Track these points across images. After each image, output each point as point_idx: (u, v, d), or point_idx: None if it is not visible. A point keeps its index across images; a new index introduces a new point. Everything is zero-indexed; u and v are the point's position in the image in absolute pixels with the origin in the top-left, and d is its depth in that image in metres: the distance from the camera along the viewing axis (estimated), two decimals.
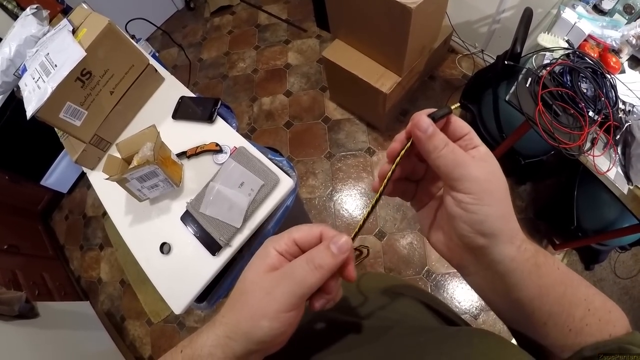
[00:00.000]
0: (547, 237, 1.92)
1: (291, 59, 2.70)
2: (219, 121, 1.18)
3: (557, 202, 1.86)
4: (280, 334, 0.30)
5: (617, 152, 1.24)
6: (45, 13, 1.46)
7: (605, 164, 1.22)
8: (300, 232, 0.33)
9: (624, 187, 1.21)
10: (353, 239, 0.33)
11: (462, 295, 1.83)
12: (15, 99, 1.86)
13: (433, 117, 0.31)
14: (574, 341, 0.32)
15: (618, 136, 1.24)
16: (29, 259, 2.05)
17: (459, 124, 0.32)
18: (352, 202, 2.10)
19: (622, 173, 1.23)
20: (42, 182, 2.32)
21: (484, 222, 0.29)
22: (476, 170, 0.29)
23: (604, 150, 1.23)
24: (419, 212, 0.38)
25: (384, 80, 1.85)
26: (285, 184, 1.03)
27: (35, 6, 1.41)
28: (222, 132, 1.17)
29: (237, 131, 1.17)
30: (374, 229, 2.00)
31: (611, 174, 1.22)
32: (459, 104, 0.34)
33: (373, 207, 0.34)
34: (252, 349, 0.31)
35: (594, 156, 1.22)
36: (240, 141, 1.12)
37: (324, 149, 2.27)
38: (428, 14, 1.61)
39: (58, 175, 2.37)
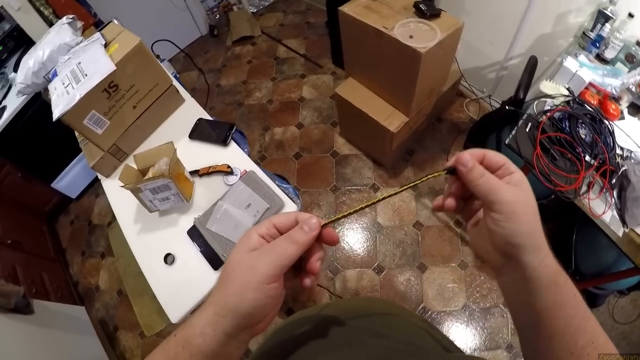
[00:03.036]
0: None
1: (305, 93, 2.79)
2: (233, 145, 1.25)
3: (556, 245, 1.88)
4: (263, 305, 0.35)
5: (613, 196, 1.26)
6: (79, 24, 1.53)
7: (600, 207, 1.24)
8: (280, 218, 0.38)
9: (619, 230, 1.22)
10: (325, 225, 0.39)
11: (456, 334, 1.83)
12: (38, 100, 1.93)
13: (452, 168, 0.39)
14: None
15: (614, 180, 1.26)
16: (30, 257, 2.07)
17: (496, 158, 0.38)
18: (353, 235, 2.13)
19: (617, 216, 1.24)
20: (53, 185, 2.37)
21: (511, 236, 0.35)
22: (506, 196, 0.35)
23: (599, 194, 1.25)
24: (468, 222, 0.44)
25: (392, 119, 1.91)
26: (290, 209, 1.08)
27: (71, 16, 1.48)
28: (234, 155, 1.23)
29: (249, 157, 1.23)
30: (373, 262, 2.03)
31: (606, 217, 1.23)
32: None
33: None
34: (240, 324, 0.35)
35: (589, 199, 1.24)
36: (251, 165, 1.18)
37: (330, 182, 2.33)
38: (437, 58, 1.67)
39: (69, 180, 2.42)
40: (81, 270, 2.29)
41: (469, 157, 0.38)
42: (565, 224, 1.86)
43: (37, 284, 1.91)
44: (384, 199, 0.43)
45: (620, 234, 1.22)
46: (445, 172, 0.41)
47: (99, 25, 1.96)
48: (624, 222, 1.23)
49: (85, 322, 1.94)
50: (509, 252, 0.36)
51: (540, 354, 0.39)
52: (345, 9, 1.68)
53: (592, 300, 1.82)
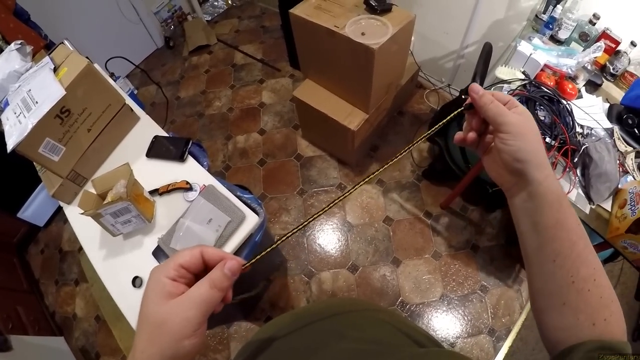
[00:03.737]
0: (519, 261, 1.98)
1: (265, 98, 2.78)
2: (190, 160, 1.24)
3: None
4: (198, 346, 0.36)
5: (577, 174, 1.29)
6: (28, 49, 1.49)
7: (565, 186, 1.26)
8: (185, 258, 0.38)
9: (585, 208, 1.25)
10: (246, 266, 0.41)
11: (437, 324, 1.85)
12: None
13: (470, 105, 0.46)
14: (573, 299, 0.41)
15: (576, 159, 1.29)
16: (3, 291, 2.01)
17: (502, 96, 0.45)
18: (324, 237, 2.13)
19: (582, 194, 1.27)
20: (19, 215, 2.29)
21: (518, 152, 0.42)
22: (512, 118, 0.42)
23: (563, 174, 1.27)
24: (483, 156, 0.50)
25: (352, 118, 1.93)
26: (251, 220, 1.08)
27: (19, 42, 1.45)
28: (192, 170, 1.22)
29: (209, 169, 1.22)
30: (347, 262, 2.03)
31: (572, 196, 1.25)
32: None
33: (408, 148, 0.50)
34: None
35: None
36: (210, 179, 1.17)
37: (297, 186, 2.32)
38: (391, 53, 1.69)
39: (35, 209, 2.35)
40: (56, 300, 2.23)
41: (479, 87, 0.44)
42: None
43: (12, 319, 1.85)
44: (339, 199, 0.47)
45: (587, 211, 1.25)
46: (463, 109, 0.48)
47: (50, 47, 1.90)
48: (589, 199, 1.26)
49: (66, 353, 1.90)
50: (517, 169, 0.42)
51: (545, 282, 0.43)
52: (296, 11, 1.68)
53: None
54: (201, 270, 0.39)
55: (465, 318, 1.85)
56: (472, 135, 0.48)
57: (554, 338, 0.43)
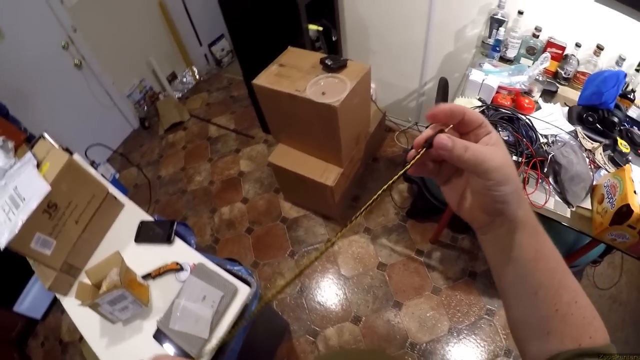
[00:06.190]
0: None
1: (243, 167, 2.85)
2: (178, 241, 1.29)
3: None
4: None
5: (550, 183, 1.33)
6: (11, 145, 1.53)
7: (541, 197, 1.30)
8: None
9: (566, 212, 1.27)
10: None
11: (452, 358, 1.81)
12: None
13: (430, 143, 0.38)
14: (558, 326, 0.39)
15: (546, 169, 1.34)
16: None
17: (475, 117, 0.39)
18: (322, 294, 2.13)
19: (560, 200, 1.30)
20: (15, 309, 2.26)
21: (503, 197, 0.37)
22: (494, 162, 0.36)
23: (536, 186, 1.32)
24: (443, 186, 0.45)
25: (328, 174, 1.99)
26: (244, 291, 1.12)
27: (1, 139, 1.50)
28: (181, 251, 1.27)
29: (196, 246, 1.26)
30: (349, 315, 2.03)
31: (550, 205, 1.29)
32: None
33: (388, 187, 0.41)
34: None
35: (528, 194, 1.30)
36: (198, 258, 1.22)
37: (287, 248, 2.34)
38: (353, 106, 1.77)
39: (31, 301, 2.32)
40: None
41: (447, 138, 0.37)
42: None
43: None
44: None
45: (568, 215, 1.27)
46: (425, 149, 0.39)
47: (30, 139, 1.95)
48: (568, 203, 1.29)
49: None
50: (498, 210, 0.38)
51: (526, 315, 0.42)
52: (258, 81, 1.76)
53: None
54: None
55: (479, 345, 1.83)
56: (431, 166, 0.42)
57: None
